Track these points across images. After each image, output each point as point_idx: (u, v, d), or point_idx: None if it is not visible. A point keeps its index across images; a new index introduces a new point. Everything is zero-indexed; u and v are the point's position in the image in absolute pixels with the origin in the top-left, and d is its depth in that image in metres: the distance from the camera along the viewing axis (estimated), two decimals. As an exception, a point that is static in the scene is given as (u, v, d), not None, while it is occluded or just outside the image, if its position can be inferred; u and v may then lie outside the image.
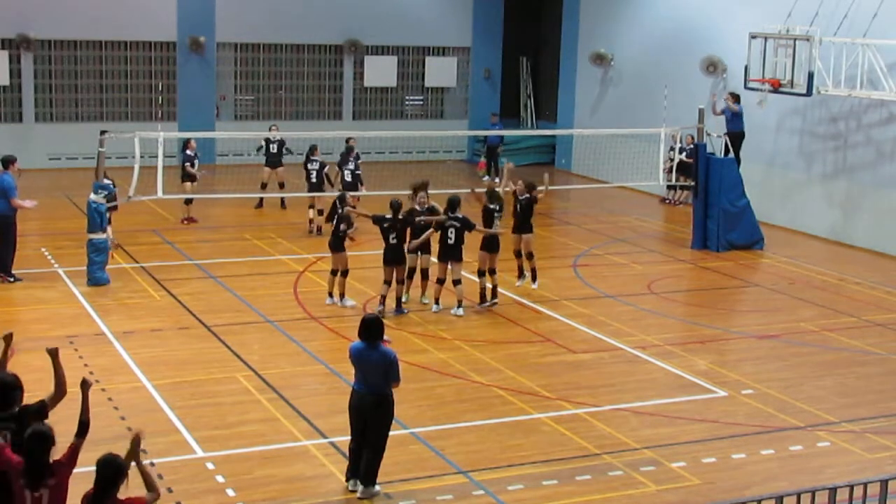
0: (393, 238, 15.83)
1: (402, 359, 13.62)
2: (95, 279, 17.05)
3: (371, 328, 10.00)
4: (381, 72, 31.62)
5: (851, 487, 8.49)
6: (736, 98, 22.78)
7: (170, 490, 10.13)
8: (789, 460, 11.40)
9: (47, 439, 7.21)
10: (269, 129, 23.98)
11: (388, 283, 15.91)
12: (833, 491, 8.14)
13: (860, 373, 14.30)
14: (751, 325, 16.46)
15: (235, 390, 12.81)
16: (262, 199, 23.47)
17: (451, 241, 15.94)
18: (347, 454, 10.36)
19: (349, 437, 10.25)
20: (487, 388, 13.15)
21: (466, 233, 16.03)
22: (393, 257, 15.89)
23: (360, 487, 10.14)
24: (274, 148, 23.35)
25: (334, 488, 10.35)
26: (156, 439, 11.20)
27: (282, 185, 23.31)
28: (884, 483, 8.39)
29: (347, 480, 10.30)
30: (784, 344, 15.43)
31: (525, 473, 10.78)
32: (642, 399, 13.00)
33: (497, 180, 28.58)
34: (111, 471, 7.06)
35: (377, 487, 10.15)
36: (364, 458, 10.08)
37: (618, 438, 11.73)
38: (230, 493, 10.06)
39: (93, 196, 17.23)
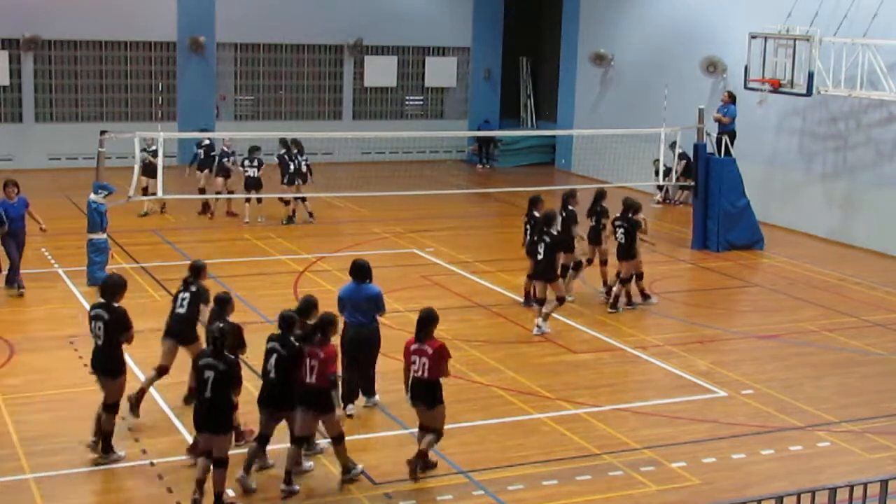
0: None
1: (402, 359, 13.58)
2: (95, 279, 16.99)
3: (362, 269, 11.95)
4: (381, 72, 31.63)
5: (851, 487, 8.47)
6: (732, 97, 22.83)
7: (170, 490, 10.16)
8: (789, 460, 11.40)
9: (332, 322, 10.49)
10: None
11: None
12: (833, 491, 8.13)
13: (860, 373, 14.30)
14: (751, 325, 16.45)
15: (235, 390, 12.76)
16: (260, 199, 23.40)
17: (540, 258, 15.16)
18: (341, 385, 11.18)
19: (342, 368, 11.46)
20: (487, 388, 13.15)
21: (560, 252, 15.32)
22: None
23: (363, 400, 12.09)
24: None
25: (334, 488, 10.36)
26: (156, 439, 11.23)
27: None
28: (884, 483, 8.38)
29: (345, 407, 11.34)
30: (784, 344, 15.42)
31: (525, 473, 10.78)
32: (642, 399, 13.01)
33: (490, 165, 29.06)
34: (428, 318, 10.45)
35: (377, 396, 12.24)
36: (363, 377, 12.05)
37: (618, 438, 11.73)
38: (230, 492, 10.06)
39: (93, 196, 17.23)
